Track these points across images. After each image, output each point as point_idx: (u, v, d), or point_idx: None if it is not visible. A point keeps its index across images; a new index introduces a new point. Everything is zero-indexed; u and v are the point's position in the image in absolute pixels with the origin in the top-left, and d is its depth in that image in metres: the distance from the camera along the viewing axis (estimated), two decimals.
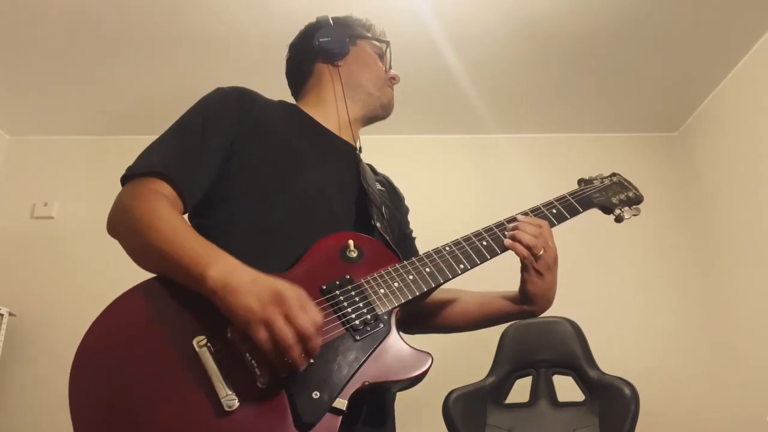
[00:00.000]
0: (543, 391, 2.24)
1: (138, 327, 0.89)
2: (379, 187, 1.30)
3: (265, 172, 1.11)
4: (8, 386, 2.89)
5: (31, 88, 3.04)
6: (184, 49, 2.78)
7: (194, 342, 0.87)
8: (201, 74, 2.90)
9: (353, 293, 0.98)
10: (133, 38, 2.71)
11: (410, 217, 1.43)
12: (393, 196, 1.38)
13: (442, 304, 1.28)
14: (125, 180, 1.04)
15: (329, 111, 1.30)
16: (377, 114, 1.36)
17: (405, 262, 1.05)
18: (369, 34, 1.39)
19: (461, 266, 1.07)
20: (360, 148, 1.31)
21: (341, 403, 0.87)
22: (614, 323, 2.92)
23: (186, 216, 1.11)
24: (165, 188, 1.01)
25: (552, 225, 1.16)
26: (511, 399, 2.26)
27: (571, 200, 1.24)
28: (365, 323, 0.95)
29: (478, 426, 2.16)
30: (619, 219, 1.27)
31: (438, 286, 1.04)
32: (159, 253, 0.92)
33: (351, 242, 1.03)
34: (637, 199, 1.32)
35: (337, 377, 0.89)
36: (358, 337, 0.93)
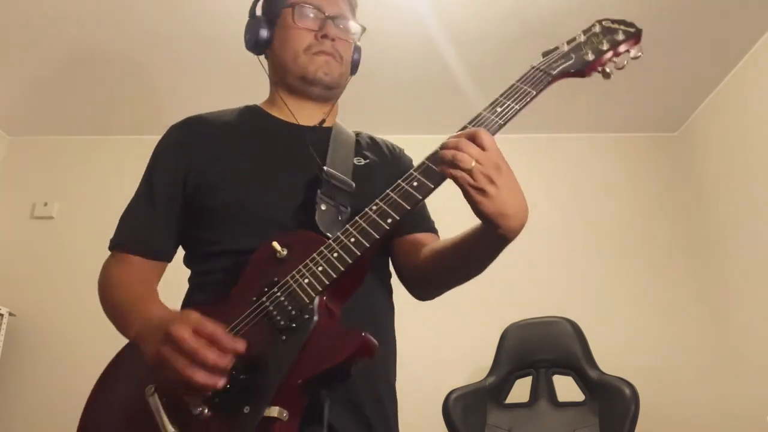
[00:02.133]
0: (543, 391, 2.23)
1: (114, 386, 1.02)
2: (359, 161, 1.21)
3: (220, 200, 1.12)
4: (8, 386, 2.88)
5: (31, 88, 3.04)
6: (185, 50, 2.78)
7: (145, 390, 0.92)
8: (202, 74, 2.90)
9: (278, 293, 0.94)
10: (133, 38, 2.71)
11: None
12: (380, 163, 1.26)
13: (424, 259, 1.15)
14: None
15: (276, 103, 1.27)
16: (310, 92, 1.23)
17: (329, 240, 0.96)
18: (281, 4, 1.24)
19: (389, 220, 0.93)
20: (326, 127, 1.23)
21: (272, 410, 0.85)
22: (614, 323, 2.92)
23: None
24: (133, 258, 1.14)
25: (497, 126, 1.00)
26: (511, 399, 2.26)
27: (519, 84, 1.05)
28: (291, 320, 0.91)
29: (478, 426, 2.16)
30: (605, 75, 1.05)
31: (366, 251, 0.94)
32: (117, 322, 1.08)
33: (275, 244, 0.99)
34: (634, 34, 1.09)
35: (265, 386, 0.87)
36: (284, 337, 0.90)
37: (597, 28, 1.12)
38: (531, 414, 2.20)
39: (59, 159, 3.39)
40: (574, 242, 3.12)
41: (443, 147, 0.95)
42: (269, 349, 0.90)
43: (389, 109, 3.09)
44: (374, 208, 0.96)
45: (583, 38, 1.11)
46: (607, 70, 1.05)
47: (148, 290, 1.09)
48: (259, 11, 1.30)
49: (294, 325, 0.90)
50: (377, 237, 0.94)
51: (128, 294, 1.07)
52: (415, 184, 0.95)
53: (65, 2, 2.50)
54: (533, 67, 1.07)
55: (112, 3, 2.51)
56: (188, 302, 1.12)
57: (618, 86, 3.05)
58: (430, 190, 0.95)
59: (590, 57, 1.06)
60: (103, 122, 3.31)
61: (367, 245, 0.94)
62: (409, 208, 0.94)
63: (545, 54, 1.10)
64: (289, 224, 1.08)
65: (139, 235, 1.15)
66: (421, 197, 0.95)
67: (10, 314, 2.86)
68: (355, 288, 0.99)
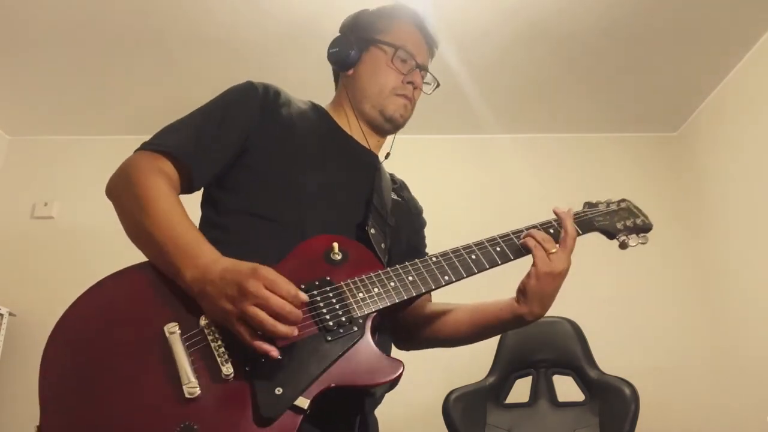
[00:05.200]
0: (543, 391, 2.23)
1: (116, 309, 0.93)
2: (394, 196, 1.30)
3: (273, 167, 1.13)
4: (8, 386, 2.89)
5: (31, 88, 3.04)
6: (184, 51, 2.78)
7: (165, 328, 0.89)
8: (201, 75, 2.90)
9: (331, 294, 0.97)
10: (134, 39, 2.71)
11: None
12: (409, 207, 1.36)
13: (435, 316, 1.26)
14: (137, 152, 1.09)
15: (345, 118, 1.31)
16: (382, 126, 1.30)
17: (388, 269, 1.03)
18: (380, 38, 1.29)
19: (446, 278, 1.05)
20: (377, 155, 1.31)
21: (303, 401, 0.86)
22: (614, 323, 2.92)
23: (202, 192, 1.17)
24: (170, 169, 1.05)
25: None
26: (511, 399, 2.26)
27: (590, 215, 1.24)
28: (339, 325, 0.94)
29: (478, 426, 2.16)
30: (623, 245, 1.25)
31: (419, 295, 1.03)
32: (147, 235, 0.97)
33: (336, 245, 1.02)
34: (645, 227, 1.28)
35: (303, 375, 0.88)
36: (329, 338, 0.92)
37: (624, 204, 1.31)
38: (531, 414, 2.20)
39: (59, 159, 3.39)
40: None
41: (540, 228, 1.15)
42: (311, 343, 0.91)
43: None
44: (434, 260, 1.06)
45: (615, 207, 1.29)
46: (625, 241, 1.26)
47: (193, 226, 1.00)
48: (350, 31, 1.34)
49: (341, 330, 0.93)
50: (432, 287, 1.03)
51: (189, 231, 0.97)
52: (473, 257, 1.08)
53: (65, 2, 2.50)
54: (583, 212, 1.25)
55: (112, 2, 2.52)
56: None
57: (618, 86, 3.06)
58: (483, 269, 1.08)
59: (621, 227, 1.26)
60: (104, 122, 3.32)
61: (422, 290, 1.02)
62: (464, 276, 1.06)
63: (588, 205, 1.29)
64: (334, 226, 1.09)
65: (193, 153, 1.08)
66: (475, 271, 1.07)
67: (10, 314, 2.86)
68: (388, 320, 1.06)
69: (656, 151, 3.38)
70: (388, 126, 1.30)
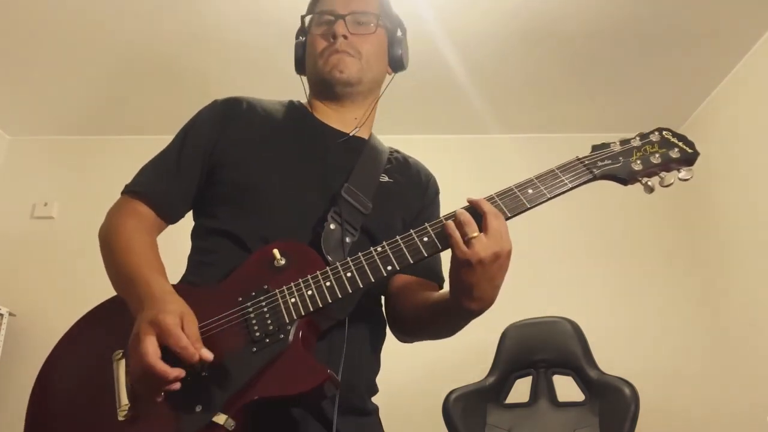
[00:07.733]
0: (543, 391, 2.23)
1: (82, 343, 1.03)
2: (385, 178, 1.21)
3: (236, 180, 1.13)
4: (8, 386, 2.88)
5: (31, 88, 3.04)
6: (184, 51, 2.78)
7: (113, 354, 0.94)
8: (200, 75, 2.90)
9: (263, 303, 0.95)
10: (134, 40, 2.71)
11: None
12: (403, 189, 1.25)
13: (407, 307, 1.16)
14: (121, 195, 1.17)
15: (315, 108, 1.27)
16: (333, 92, 1.22)
17: (327, 268, 0.97)
18: (307, 20, 1.28)
19: (389, 267, 0.95)
20: (355, 136, 1.24)
21: (221, 417, 0.85)
22: (614, 323, 2.92)
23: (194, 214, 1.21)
24: (143, 208, 1.12)
25: (524, 209, 0.98)
26: (511, 399, 2.26)
27: (557, 172, 1.01)
28: (266, 334, 0.92)
29: (478, 426, 2.16)
30: (648, 189, 0.99)
31: (357, 290, 0.96)
32: (109, 269, 1.06)
33: (275, 251, 0.99)
34: (687, 158, 1.01)
35: (222, 391, 0.88)
36: (255, 349, 0.91)
37: (655, 137, 1.05)
38: (531, 414, 2.20)
39: (59, 159, 3.39)
40: (574, 242, 3.12)
41: (462, 209, 0.95)
42: (237, 356, 0.91)
43: (390, 109, 3.09)
44: (379, 250, 0.97)
45: (637, 142, 1.05)
46: (650, 183, 1.00)
47: (154, 258, 1.05)
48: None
49: (267, 340, 0.92)
50: (372, 280, 0.96)
51: (137, 263, 1.02)
52: (425, 239, 0.96)
53: (64, 3, 2.50)
54: (578, 159, 1.04)
55: (113, 3, 2.52)
56: (182, 281, 1.11)
57: (618, 86, 3.06)
58: (438, 251, 0.96)
59: (638, 167, 1.01)
60: (104, 122, 3.32)
61: (360, 285, 0.96)
62: (412, 262, 0.96)
63: (595, 148, 1.06)
64: (295, 229, 1.07)
65: (159, 188, 1.14)
66: (426, 255, 0.96)
67: (10, 314, 2.86)
68: (337, 319, 1.02)
69: None
70: (337, 90, 1.21)
